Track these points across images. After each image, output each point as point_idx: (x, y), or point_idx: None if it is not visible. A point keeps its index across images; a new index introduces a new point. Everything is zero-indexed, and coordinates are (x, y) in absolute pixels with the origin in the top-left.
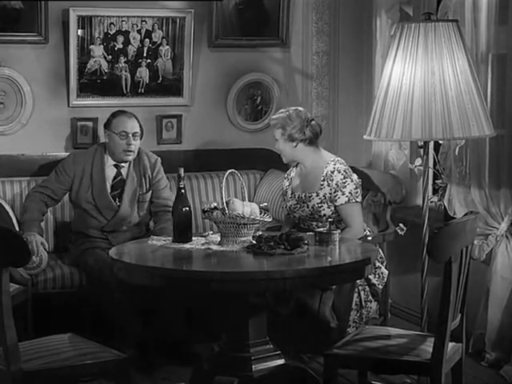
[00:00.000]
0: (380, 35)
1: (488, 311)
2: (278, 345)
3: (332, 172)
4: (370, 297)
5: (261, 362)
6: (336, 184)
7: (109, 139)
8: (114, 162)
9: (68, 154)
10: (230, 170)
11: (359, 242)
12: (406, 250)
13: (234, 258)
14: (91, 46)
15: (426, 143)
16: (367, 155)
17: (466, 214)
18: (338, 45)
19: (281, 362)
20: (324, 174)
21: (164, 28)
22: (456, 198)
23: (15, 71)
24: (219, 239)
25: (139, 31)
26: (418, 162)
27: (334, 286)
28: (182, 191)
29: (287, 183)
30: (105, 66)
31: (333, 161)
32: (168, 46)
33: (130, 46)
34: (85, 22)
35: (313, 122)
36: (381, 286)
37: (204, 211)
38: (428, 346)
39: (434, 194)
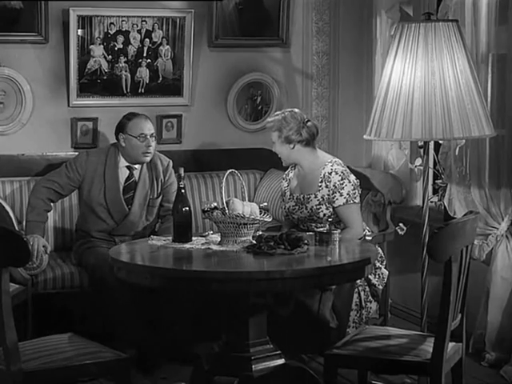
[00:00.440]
0: (380, 35)
1: (488, 311)
2: (277, 345)
3: (329, 173)
4: (370, 297)
5: (261, 361)
6: (334, 185)
7: (126, 143)
8: (127, 164)
9: (81, 151)
10: (230, 170)
11: (359, 242)
12: (406, 250)
13: (234, 257)
14: (91, 46)
15: (426, 143)
16: (367, 155)
17: (466, 214)
18: (338, 45)
19: (281, 362)
20: (322, 175)
21: (164, 28)
22: (456, 198)
23: (15, 71)
24: (219, 239)
25: (139, 31)
26: (418, 161)
27: (333, 287)
28: (182, 191)
29: (286, 184)
30: (105, 65)
31: (330, 162)
32: (168, 46)
33: (130, 46)
34: (85, 21)
35: (309, 123)
36: (381, 287)
37: (204, 211)
38: (428, 346)
39: (434, 193)
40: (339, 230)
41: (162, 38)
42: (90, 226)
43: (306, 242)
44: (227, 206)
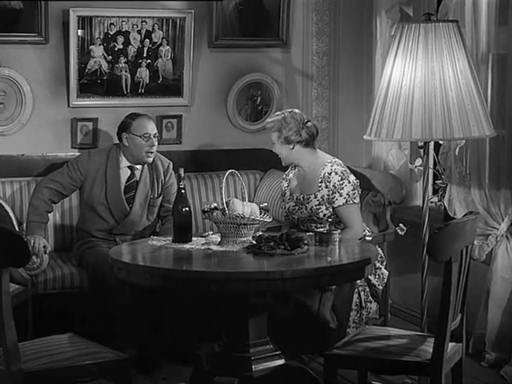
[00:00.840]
0: (380, 35)
1: (488, 311)
2: (277, 345)
3: (329, 174)
4: (370, 297)
5: (261, 362)
6: (333, 186)
7: (129, 142)
8: (129, 164)
9: (83, 151)
10: (230, 171)
11: (359, 242)
12: (406, 250)
13: (234, 258)
14: (91, 47)
15: (426, 143)
16: (367, 155)
17: (465, 214)
18: (338, 45)
19: (281, 362)
20: (321, 175)
21: (164, 28)
22: (456, 199)
23: (15, 71)
24: (219, 239)
25: (139, 31)
26: (418, 162)
27: (333, 287)
28: (182, 191)
29: (286, 184)
30: (105, 66)
31: (330, 162)
32: (168, 47)
33: (130, 47)
34: (85, 22)
35: (309, 124)
36: (381, 287)
37: (204, 211)
38: (428, 346)
39: (434, 194)
40: (339, 231)
41: (162, 38)
42: (91, 225)
43: (305, 242)
44: (227, 207)
